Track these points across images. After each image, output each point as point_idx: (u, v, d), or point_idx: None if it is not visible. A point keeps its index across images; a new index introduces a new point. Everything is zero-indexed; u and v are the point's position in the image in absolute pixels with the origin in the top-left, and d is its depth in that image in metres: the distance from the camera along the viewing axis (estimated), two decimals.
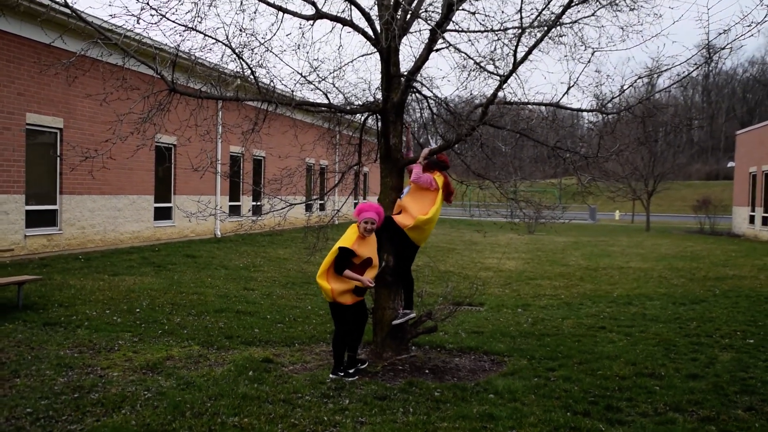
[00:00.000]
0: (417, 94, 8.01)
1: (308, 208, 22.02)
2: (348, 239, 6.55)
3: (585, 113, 7.61)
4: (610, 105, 7.40)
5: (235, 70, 7.22)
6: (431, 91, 7.95)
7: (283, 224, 8.32)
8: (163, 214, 19.32)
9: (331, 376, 6.66)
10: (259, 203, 17.23)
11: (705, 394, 6.42)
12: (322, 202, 23.67)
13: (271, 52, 7.17)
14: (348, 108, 7.70)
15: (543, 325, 9.93)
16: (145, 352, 7.44)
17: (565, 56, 7.14)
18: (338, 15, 7.18)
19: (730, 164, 42.27)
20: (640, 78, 7.25)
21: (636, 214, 51.06)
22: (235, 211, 22.81)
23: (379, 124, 7.61)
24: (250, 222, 8.32)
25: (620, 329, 9.68)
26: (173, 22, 6.49)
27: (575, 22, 6.94)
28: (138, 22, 6.36)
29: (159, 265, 14.55)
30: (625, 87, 7.14)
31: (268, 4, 7.01)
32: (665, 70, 6.88)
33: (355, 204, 36.41)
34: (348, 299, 6.62)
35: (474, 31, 7.43)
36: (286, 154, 9.85)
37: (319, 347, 8.13)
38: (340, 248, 6.46)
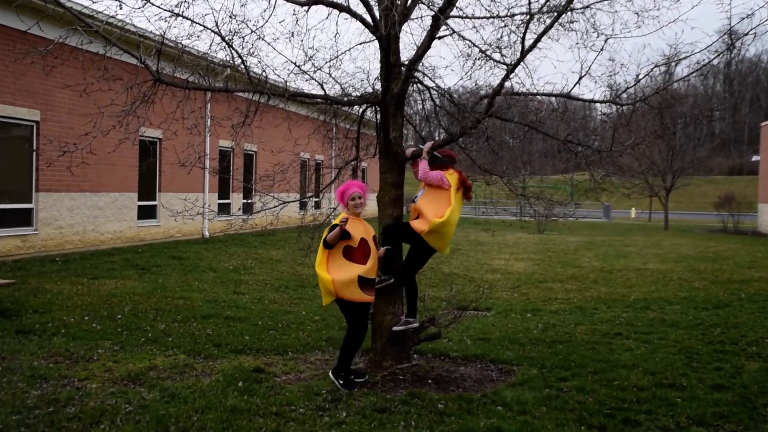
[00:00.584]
0: (418, 85, 8.00)
1: (303, 206, 22.06)
2: (338, 218, 6.53)
3: (598, 104, 7.61)
4: (624, 95, 7.40)
5: (224, 59, 7.21)
6: (434, 82, 7.95)
7: (275, 224, 8.33)
8: (147, 212, 19.32)
9: (330, 374, 6.72)
10: (250, 201, 17.23)
11: (731, 406, 6.42)
12: (317, 199, 23.71)
13: (263, 40, 7.17)
14: (345, 99, 7.70)
15: (554, 332, 9.93)
16: (126, 362, 7.43)
17: (577, 44, 7.14)
18: (335, 0, 7.18)
19: (755, 158, 42.17)
20: (656, 66, 7.26)
21: (653, 212, 51.08)
22: (224, 209, 22.82)
23: (378, 116, 7.61)
24: (241, 221, 8.33)
25: (638, 336, 9.68)
26: (158, 7, 6.48)
27: (587, 7, 6.94)
28: (120, 8, 6.36)
29: (142, 267, 14.55)
30: (640, 76, 7.15)
31: None
32: (684, 58, 6.88)
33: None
34: (354, 293, 6.46)
35: (479, 17, 7.42)
36: (279, 149, 9.83)
37: (314, 356, 8.13)
38: (331, 226, 6.48)
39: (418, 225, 6.98)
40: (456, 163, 7.35)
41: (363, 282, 6.52)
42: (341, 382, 6.61)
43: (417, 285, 7.32)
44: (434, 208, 6.94)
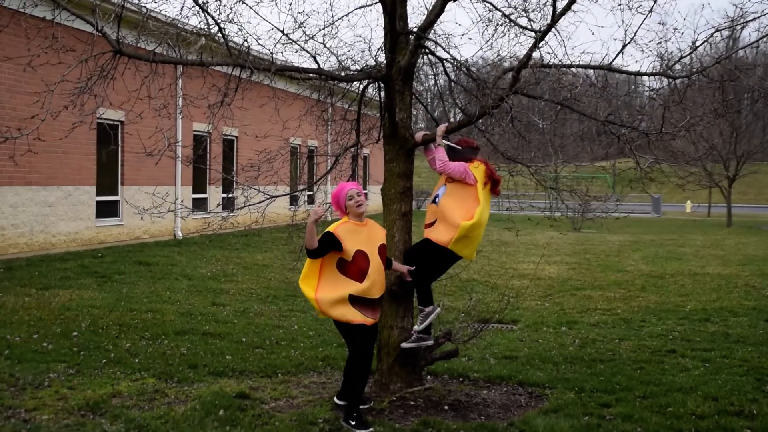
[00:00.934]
0: (430, 56, 8.00)
1: (293, 201, 22.06)
2: (333, 225, 6.38)
3: (645, 78, 7.59)
4: (678, 66, 7.39)
5: (198, 26, 7.23)
6: (448, 52, 7.95)
7: (261, 222, 8.33)
8: (107, 209, 19.37)
9: (335, 399, 6.70)
10: (230, 196, 17.27)
11: None
12: (310, 193, 23.71)
13: (243, 2, 7.19)
14: (342, 74, 7.70)
15: (594, 348, 9.94)
16: (84, 388, 7.45)
17: (620, 5, 7.13)
18: None
19: None
20: (717, 31, 7.23)
21: (713, 206, 50.98)
22: (200, 205, 22.85)
23: (382, 94, 7.62)
24: (220, 219, 8.34)
25: (695, 353, 9.68)
26: None
27: None
28: None
29: (103, 275, 14.59)
30: (697, 43, 7.12)
31: None
32: (752, 20, 6.86)
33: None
34: (347, 314, 6.26)
35: None
36: (265, 134, 9.84)
37: (308, 378, 8.16)
38: (325, 233, 6.29)
39: (439, 236, 6.88)
40: (479, 153, 7.33)
41: (358, 301, 6.30)
42: (353, 423, 6.31)
43: (432, 294, 7.30)
44: (460, 209, 6.87)
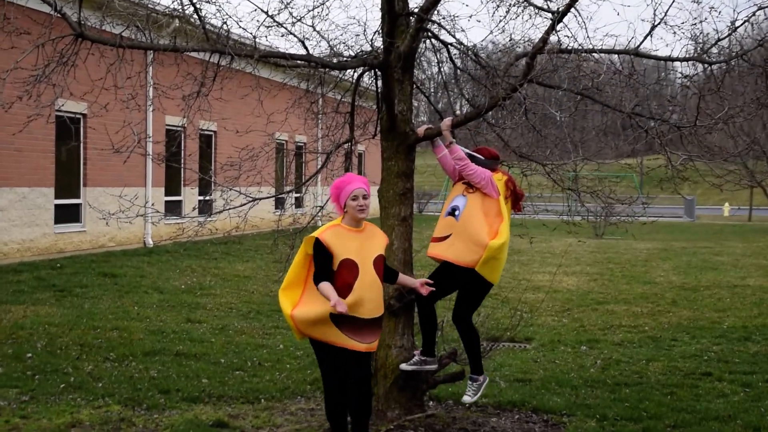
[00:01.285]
0: (433, 41, 8.01)
1: (279, 204, 22.06)
2: (321, 229, 6.14)
3: (677, 64, 7.61)
4: (714, 51, 7.39)
5: (171, 6, 7.23)
6: (453, 36, 7.96)
7: (243, 228, 8.33)
8: (67, 214, 19.35)
9: None
10: (208, 198, 17.25)
11: None
12: (298, 195, 23.73)
13: None
14: (335, 61, 7.70)
15: (618, 371, 9.94)
16: (39, 417, 7.44)
17: None
18: None
19: None
20: (761, 9, 7.21)
21: (755, 208, 50.97)
22: (173, 209, 22.84)
23: (380, 83, 7.62)
24: (196, 225, 8.33)
25: (734, 377, 9.69)
26: None
27: None
28: None
29: (62, 288, 14.57)
30: (737, 23, 7.12)
31: None
32: None
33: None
34: (327, 334, 5.99)
35: None
36: (247, 128, 9.83)
37: (294, 404, 8.15)
38: (314, 242, 6.01)
39: (462, 257, 6.75)
40: (499, 163, 7.28)
41: (343, 322, 5.95)
42: None
43: (435, 312, 7.24)
44: (486, 226, 6.77)
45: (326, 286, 5.85)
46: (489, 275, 6.81)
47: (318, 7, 8.02)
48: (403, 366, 7.16)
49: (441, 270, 6.97)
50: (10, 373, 8.89)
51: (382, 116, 7.50)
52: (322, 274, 5.96)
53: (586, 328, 12.85)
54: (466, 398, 7.06)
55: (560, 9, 6.67)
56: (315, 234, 6.06)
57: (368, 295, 6.03)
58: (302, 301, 6.09)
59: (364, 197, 6.13)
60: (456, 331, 7.20)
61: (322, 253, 5.99)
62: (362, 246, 6.13)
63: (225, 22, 7.20)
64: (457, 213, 6.91)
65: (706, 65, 7.45)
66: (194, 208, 9.28)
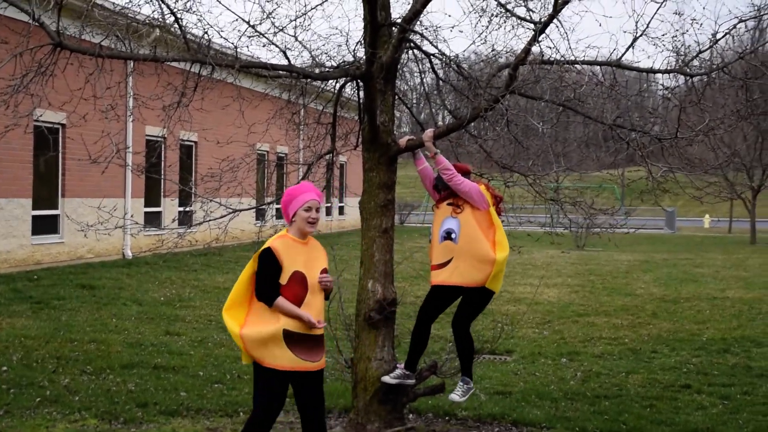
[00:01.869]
0: (415, 51, 8.02)
1: (260, 215, 22.03)
2: (270, 240, 5.89)
3: (659, 75, 7.65)
4: (696, 63, 7.43)
5: (151, 16, 7.20)
6: (436, 47, 7.97)
7: (223, 239, 8.29)
8: (45, 225, 19.23)
9: None
10: (188, 209, 17.19)
11: None
12: (279, 206, 23.65)
13: None
14: (317, 72, 7.70)
15: (598, 383, 9.95)
16: (14, 431, 7.36)
17: None
18: None
19: None
20: (741, 21, 7.26)
21: (735, 220, 51.31)
22: (153, 220, 22.77)
23: (362, 94, 7.62)
24: (176, 236, 8.29)
25: (713, 389, 9.73)
26: None
27: None
28: None
29: (39, 300, 14.47)
30: (719, 35, 7.16)
31: None
32: None
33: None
34: (279, 358, 5.68)
35: None
36: (228, 139, 9.80)
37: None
38: (262, 252, 5.74)
39: (471, 278, 6.79)
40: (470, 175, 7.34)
41: (294, 340, 5.69)
42: None
43: (430, 332, 7.24)
44: (485, 241, 6.82)
45: (285, 302, 5.63)
46: (495, 287, 6.90)
47: (300, 17, 8.01)
48: (386, 378, 7.13)
49: (435, 293, 7.00)
50: None
51: (364, 127, 7.50)
52: (273, 288, 5.67)
53: (566, 341, 12.87)
54: (455, 397, 7.07)
55: (542, 20, 6.70)
56: (268, 244, 5.79)
57: (317, 309, 5.81)
58: (249, 321, 5.74)
59: (317, 210, 5.91)
60: (436, 344, 7.21)
61: (273, 265, 5.69)
62: (309, 258, 5.87)
63: (206, 32, 7.19)
64: (453, 236, 6.86)
65: (687, 77, 7.50)
66: (174, 220, 9.23)
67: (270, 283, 5.66)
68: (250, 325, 5.71)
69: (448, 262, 6.87)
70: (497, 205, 7.11)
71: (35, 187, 18.73)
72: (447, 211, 6.98)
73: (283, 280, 5.68)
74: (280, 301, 5.63)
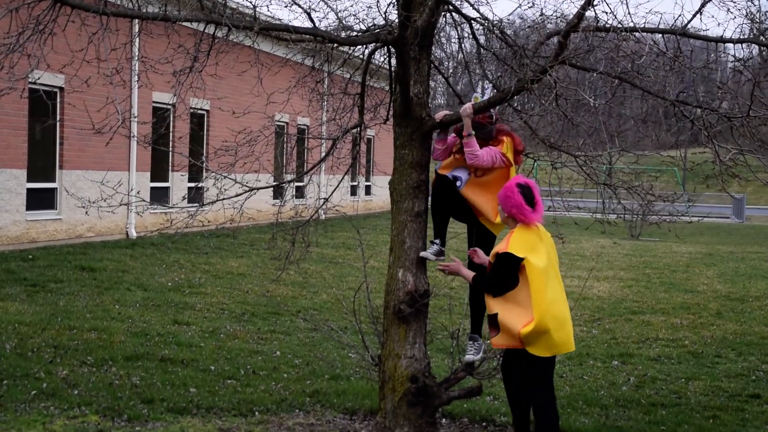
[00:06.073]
0: (453, 15, 7.99)
1: (278, 194, 22.13)
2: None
3: (729, 45, 7.57)
4: None
5: None
6: (477, 10, 7.94)
7: (238, 220, 8.33)
8: (41, 200, 19.36)
9: None
10: (199, 185, 17.26)
11: None
12: (300, 184, 23.70)
13: None
14: (344, 36, 7.69)
15: (654, 389, 9.92)
16: (7, 427, 7.44)
17: None
18: None
19: None
20: None
21: None
22: (160, 197, 22.82)
23: (393, 61, 7.61)
24: (186, 216, 8.34)
25: None
26: None
27: None
28: None
29: (34, 283, 14.58)
30: None
31: None
32: None
33: (352, 187, 36.30)
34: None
35: None
36: (245, 109, 9.83)
37: (292, 418, 8.16)
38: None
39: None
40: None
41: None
42: None
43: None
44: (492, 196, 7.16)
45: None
46: (495, 229, 7.58)
47: None
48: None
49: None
50: None
51: (396, 99, 7.49)
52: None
53: (618, 341, 12.82)
54: (470, 357, 7.41)
55: None
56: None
57: None
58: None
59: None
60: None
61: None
62: None
63: None
64: (460, 183, 7.29)
65: (762, 47, 7.42)
66: (184, 197, 9.29)
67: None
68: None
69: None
70: (515, 155, 7.36)
71: (30, 157, 18.80)
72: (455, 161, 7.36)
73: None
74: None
